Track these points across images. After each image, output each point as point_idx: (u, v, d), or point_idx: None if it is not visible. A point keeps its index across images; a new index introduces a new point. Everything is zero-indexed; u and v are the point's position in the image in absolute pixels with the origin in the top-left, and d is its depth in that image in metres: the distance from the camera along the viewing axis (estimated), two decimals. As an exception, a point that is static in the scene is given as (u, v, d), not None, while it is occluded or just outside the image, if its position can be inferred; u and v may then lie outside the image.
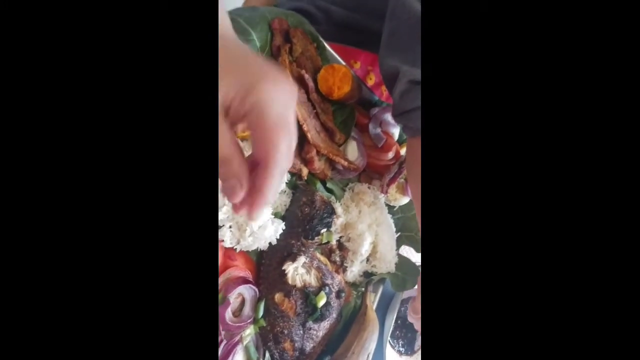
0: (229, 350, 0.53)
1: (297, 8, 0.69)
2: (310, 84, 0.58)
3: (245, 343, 0.54)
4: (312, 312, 0.57)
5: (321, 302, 0.57)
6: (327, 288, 0.58)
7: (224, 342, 0.53)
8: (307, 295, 0.57)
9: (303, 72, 0.58)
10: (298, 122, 0.57)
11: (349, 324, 0.64)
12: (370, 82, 0.72)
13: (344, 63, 0.63)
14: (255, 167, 0.32)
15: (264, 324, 0.56)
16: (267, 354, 0.57)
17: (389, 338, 0.69)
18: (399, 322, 0.71)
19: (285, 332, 0.56)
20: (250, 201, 0.32)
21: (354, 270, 0.64)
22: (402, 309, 0.72)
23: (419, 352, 0.72)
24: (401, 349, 0.71)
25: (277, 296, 0.56)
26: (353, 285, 0.65)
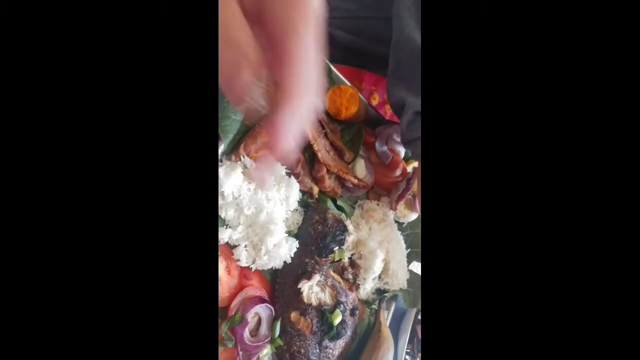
0: (248, 371, 0.52)
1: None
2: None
3: (262, 364, 0.54)
4: (328, 331, 0.57)
5: (337, 320, 0.57)
6: (342, 306, 0.58)
7: (242, 362, 0.53)
8: (323, 313, 0.57)
9: (312, 93, 0.59)
10: (309, 142, 0.59)
11: (364, 341, 0.64)
12: (374, 102, 0.74)
13: (349, 84, 0.64)
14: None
15: (281, 344, 0.55)
16: (285, 374, 0.57)
17: (404, 356, 0.68)
18: (414, 339, 0.71)
19: (302, 351, 0.56)
20: (274, 121, 0.26)
21: (367, 288, 0.64)
22: (416, 325, 0.72)
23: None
24: (415, 366, 0.71)
25: (293, 315, 0.56)
26: (366, 302, 0.65)
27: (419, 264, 0.71)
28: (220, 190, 0.55)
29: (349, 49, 0.74)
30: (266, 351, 0.55)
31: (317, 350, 0.57)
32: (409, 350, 0.71)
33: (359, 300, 0.63)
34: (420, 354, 0.71)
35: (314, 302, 0.57)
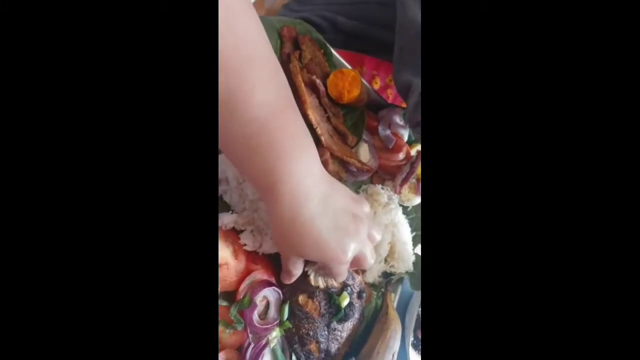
0: (257, 353, 0.53)
1: (303, 18, 0.71)
2: (322, 88, 0.60)
3: (272, 346, 0.55)
4: (336, 313, 0.57)
5: (344, 302, 0.57)
6: (349, 288, 0.58)
7: (252, 345, 0.53)
8: (331, 296, 0.57)
9: (314, 77, 0.59)
10: (312, 125, 0.59)
11: (371, 324, 0.64)
12: (376, 86, 0.74)
13: (351, 67, 0.64)
14: None
15: (290, 326, 0.56)
16: (294, 357, 0.57)
17: (411, 338, 0.69)
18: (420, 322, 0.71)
19: (311, 333, 0.57)
20: None
21: (373, 271, 0.64)
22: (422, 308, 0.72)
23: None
24: (423, 348, 0.71)
25: (301, 298, 0.57)
26: (373, 286, 0.65)
27: (425, 247, 0.72)
28: (224, 175, 0.55)
29: (349, 34, 0.74)
30: (275, 334, 0.55)
31: (326, 332, 0.58)
32: (416, 335, 0.71)
33: (365, 283, 0.64)
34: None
35: (322, 285, 0.57)
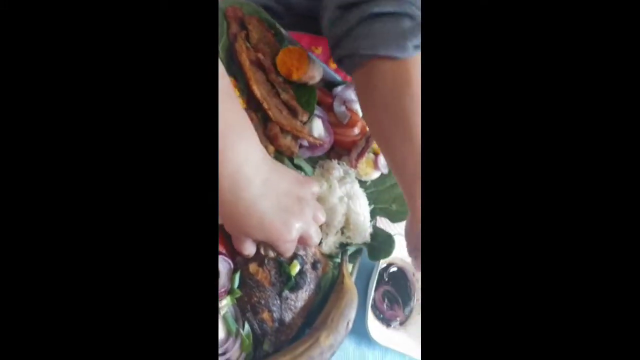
0: (206, 320, 0.55)
1: (256, 2, 0.73)
2: (268, 64, 0.62)
3: (222, 313, 0.56)
4: (286, 282, 0.59)
5: (295, 271, 0.59)
6: (300, 258, 0.60)
7: (202, 312, 0.55)
8: (281, 264, 0.59)
9: (259, 54, 0.61)
10: (258, 101, 0.61)
11: (328, 294, 0.66)
12: (333, 66, 0.76)
13: (299, 45, 0.66)
14: None
15: (240, 294, 0.58)
16: (247, 325, 0.59)
17: (370, 308, 0.70)
18: (384, 292, 0.72)
19: (262, 302, 0.58)
20: None
21: (329, 242, 0.66)
22: (387, 279, 0.73)
23: (407, 323, 0.73)
24: (388, 320, 0.72)
25: (252, 266, 0.58)
26: (329, 257, 0.67)
27: (386, 219, 0.73)
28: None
29: (305, 16, 0.76)
30: (225, 302, 0.57)
31: (278, 301, 0.59)
32: (377, 304, 0.72)
33: (321, 254, 0.65)
34: (391, 309, 0.73)
35: (272, 255, 0.59)
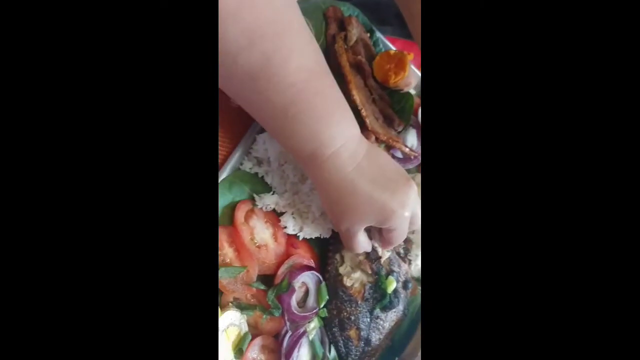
0: (295, 342, 0.50)
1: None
2: (367, 68, 0.58)
3: (311, 337, 0.52)
4: (380, 299, 0.54)
5: (391, 288, 0.54)
6: (395, 274, 0.55)
7: (289, 333, 0.51)
8: (378, 278, 0.54)
9: (360, 57, 0.57)
10: (356, 106, 0.56)
11: (416, 322, 0.61)
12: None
13: (396, 49, 0.62)
14: None
15: (326, 314, 0.53)
16: (333, 349, 0.54)
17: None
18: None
19: (352, 318, 0.54)
20: None
21: (419, 264, 0.61)
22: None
23: None
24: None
25: (347, 279, 0.54)
26: (418, 280, 0.62)
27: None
28: (266, 156, 0.54)
29: (395, 24, 0.72)
30: (313, 324, 0.52)
31: (368, 319, 0.54)
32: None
33: (411, 276, 0.60)
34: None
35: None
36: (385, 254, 0.54)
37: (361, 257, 0.54)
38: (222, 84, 0.42)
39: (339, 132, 0.44)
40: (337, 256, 0.55)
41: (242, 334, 0.48)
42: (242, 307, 0.49)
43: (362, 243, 0.50)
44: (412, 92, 0.63)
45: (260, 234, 0.51)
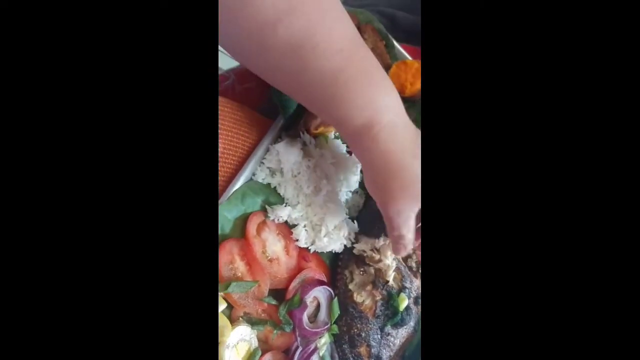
0: (306, 358, 0.49)
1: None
2: (383, 78, 0.56)
3: (321, 353, 0.51)
4: (392, 316, 0.53)
5: (403, 305, 0.53)
6: (406, 291, 0.54)
7: (300, 349, 0.49)
8: (390, 295, 0.53)
9: (376, 66, 0.56)
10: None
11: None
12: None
13: (412, 59, 0.61)
14: None
15: (337, 331, 0.52)
16: (342, 362, 0.53)
17: None
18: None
19: (363, 334, 0.52)
20: None
21: (431, 278, 0.60)
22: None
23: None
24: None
25: (357, 295, 0.53)
26: (430, 294, 0.61)
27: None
28: (279, 166, 0.52)
29: (410, 31, 0.71)
30: (324, 340, 0.51)
31: (379, 336, 0.53)
32: None
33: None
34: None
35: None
36: (390, 273, 0.53)
37: (369, 287, 0.53)
38: (252, 61, 0.40)
39: (392, 100, 0.41)
40: (347, 272, 0.54)
41: (252, 349, 0.47)
42: (252, 322, 0.48)
43: (410, 231, 0.44)
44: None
45: (272, 246, 0.50)
